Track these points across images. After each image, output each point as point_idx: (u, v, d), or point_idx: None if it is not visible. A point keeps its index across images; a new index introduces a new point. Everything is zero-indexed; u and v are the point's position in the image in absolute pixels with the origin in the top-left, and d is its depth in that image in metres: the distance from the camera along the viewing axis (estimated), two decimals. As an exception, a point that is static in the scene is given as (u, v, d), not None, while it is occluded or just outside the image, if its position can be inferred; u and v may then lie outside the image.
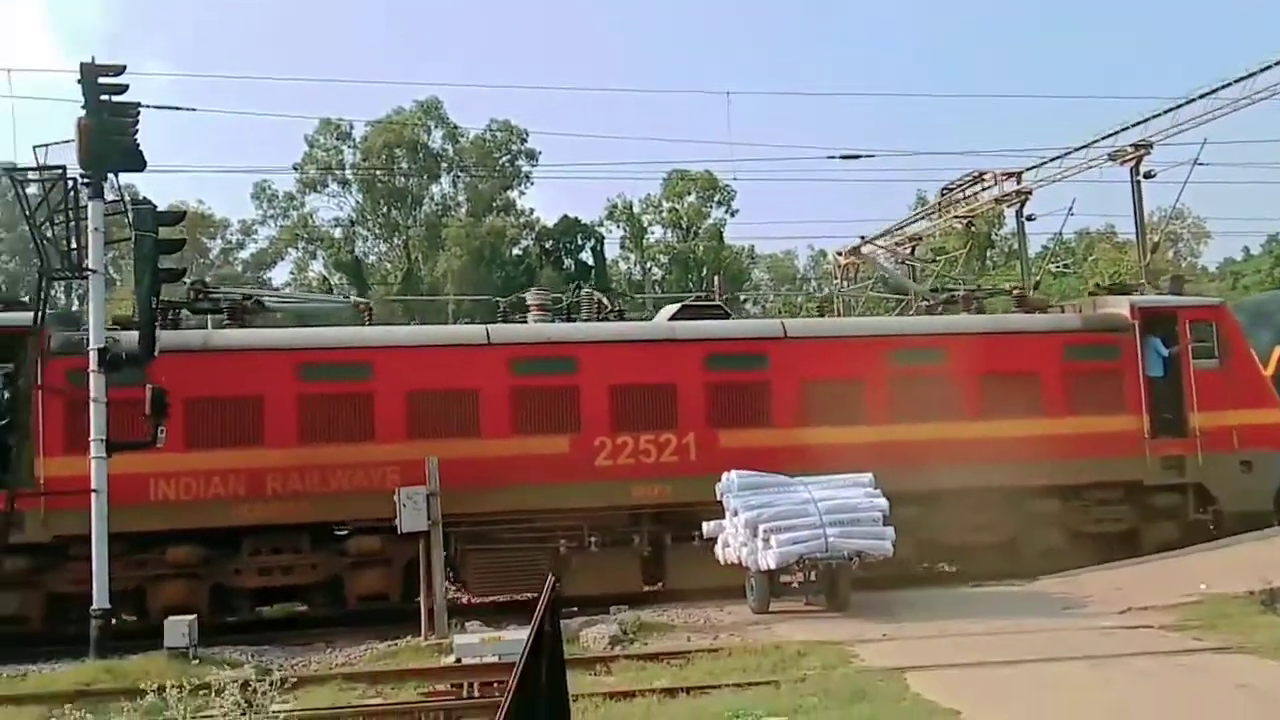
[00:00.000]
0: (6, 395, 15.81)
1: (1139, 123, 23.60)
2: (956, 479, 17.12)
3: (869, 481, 15.59)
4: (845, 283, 30.53)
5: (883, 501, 15.28)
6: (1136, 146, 23.24)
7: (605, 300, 20.04)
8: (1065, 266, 39.16)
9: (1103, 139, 24.32)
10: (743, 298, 53.58)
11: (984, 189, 26.49)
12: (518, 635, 12.59)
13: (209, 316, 18.09)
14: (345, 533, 16.41)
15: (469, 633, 14.12)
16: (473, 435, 16.59)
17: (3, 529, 14.10)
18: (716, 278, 37.17)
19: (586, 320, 19.02)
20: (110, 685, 12.41)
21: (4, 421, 15.67)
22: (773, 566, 14.82)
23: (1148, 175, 23.42)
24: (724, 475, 15.70)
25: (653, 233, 62.46)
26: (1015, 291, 21.51)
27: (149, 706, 5.74)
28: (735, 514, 15.32)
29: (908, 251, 29.78)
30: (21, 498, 15.05)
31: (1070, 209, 24.78)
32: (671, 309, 19.57)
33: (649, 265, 62.29)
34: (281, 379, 16.21)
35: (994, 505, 17.50)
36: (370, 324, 19.15)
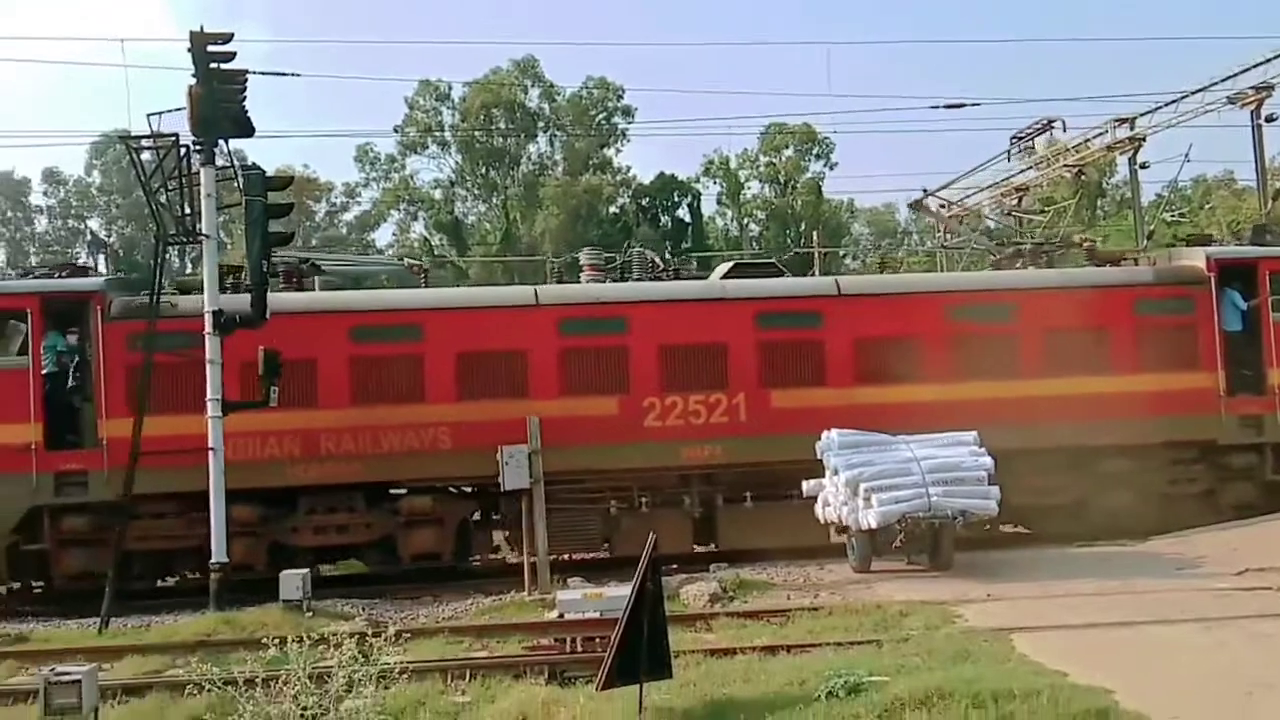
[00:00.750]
0: (71, 359, 16.32)
1: (1260, 64, 22.52)
2: (1020, 439, 16.53)
3: (973, 440, 15.33)
4: (947, 235, 29.87)
5: (988, 460, 15.03)
6: (1257, 89, 22.18)
7: (658, 259, 19.93)
8: (1181, 215, 37.73)
9: (1221, 81, 23.25)
10: (841, 252, 52.88)
11: (1095, 135, 25.57)
12: (619, 592, 12.73)
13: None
14: (403, 492, 16.68)
15: (571, 589, 14.33)
16: (522, 396, 16.66)
17: (128, 483, 14.63)
18: (815, 233, 36.76)
19: (639, 280, 18.89)
20: (229, 636, 12.96)
21: (70, 385, 16.24)
22: (874, 526, 14.71)
23: (1269, 119, 22.40)
24: (824, 434, 15.59)
25: (750, 188, 61.86)
26: (1085, 244, 20.78)
27: (271, 659, 5.95)
28: (835, 473, 15.21)
29: (1014, 202, 28.97)
30: (90, 457, 15.72)
31: (1186, 155, 23.86)
32: (725, 267, 19.42)
33: (746, 221, 61.77)
34: (334, 342, 16.45)
35: (1060, 466, 17.00)
36: (426, 286, 19.41)
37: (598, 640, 11.63)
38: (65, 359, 16.22)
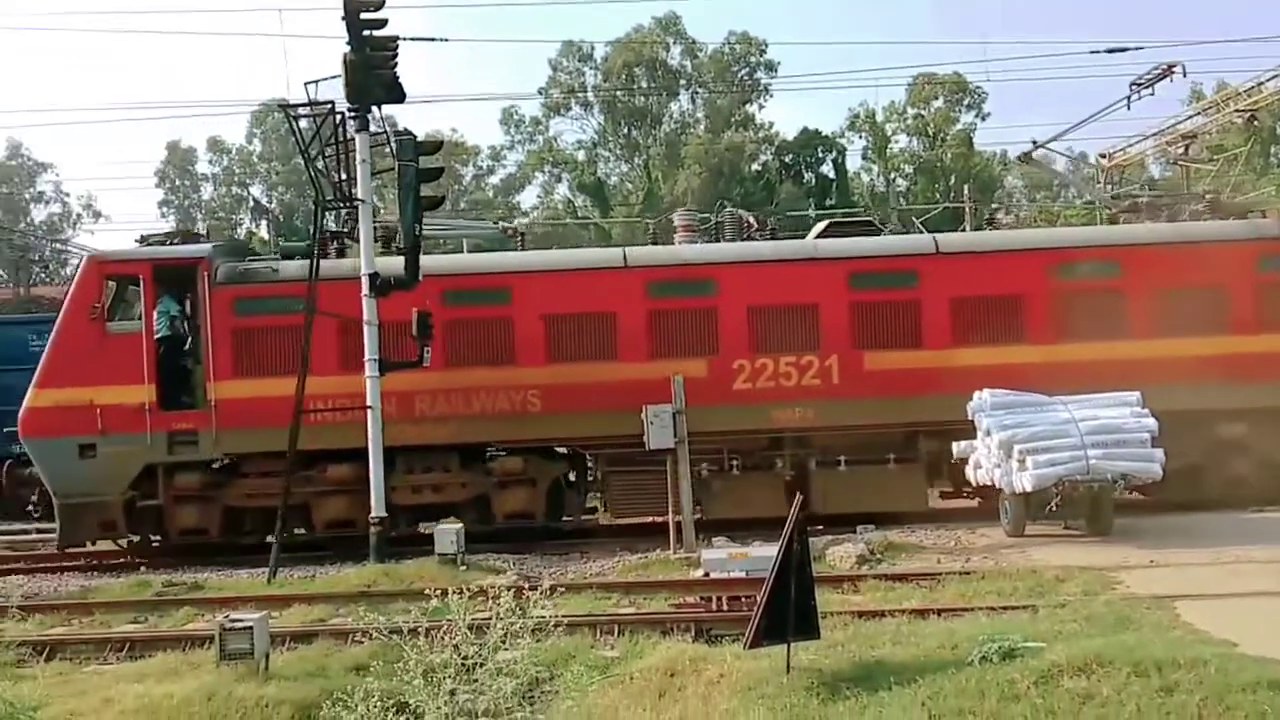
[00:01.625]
0: (183, 324, 17.02)
1: None
2: None
3: (1135, 400, 14.73)
4: (1109, 186, 28.57)
5: (1151, 422, 14.44)
6: None
7: (752, 220, 19.53)
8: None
9: None
10: (995, 206, 51.23)
11: (1270, 77, 23.98)
12: (764, 552, 12.71)
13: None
14: (502, 453, 16.87)
15: (716, 548, 14.38)
16: (610, 359, 16.68)
17: (292, 438, 15.23)
18: (965, 187, 35.66)
19: (731, 241, 18.56)
20: (389, 587, 13.44)
21: (181, 348, 16.94)
22: (1028, 489, 14.31)
23: None
24: (975, 394, 15.20)
25: (897, 142, 60.32)
26: (1207, 197, 19.48)
27: (432, 609, 6.16)
28: (988, 434, 14.84)
29: (1180, 151, 27.50)
30: (199, 417, 16.41)
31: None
32: (821, 226, 18.97)
33: (893, 176, 60.36)
34: (430, 304, 16.37)
35: (1173, 430, 15.81)
36: (523, 249, 19.48)
37: (743, 599, 11.67)
38: (177, 323, 16.93)
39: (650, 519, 17.12)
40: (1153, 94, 24.27)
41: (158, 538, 17.15)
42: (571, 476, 17.52)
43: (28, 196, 65.56)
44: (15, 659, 10.57)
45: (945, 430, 16.29)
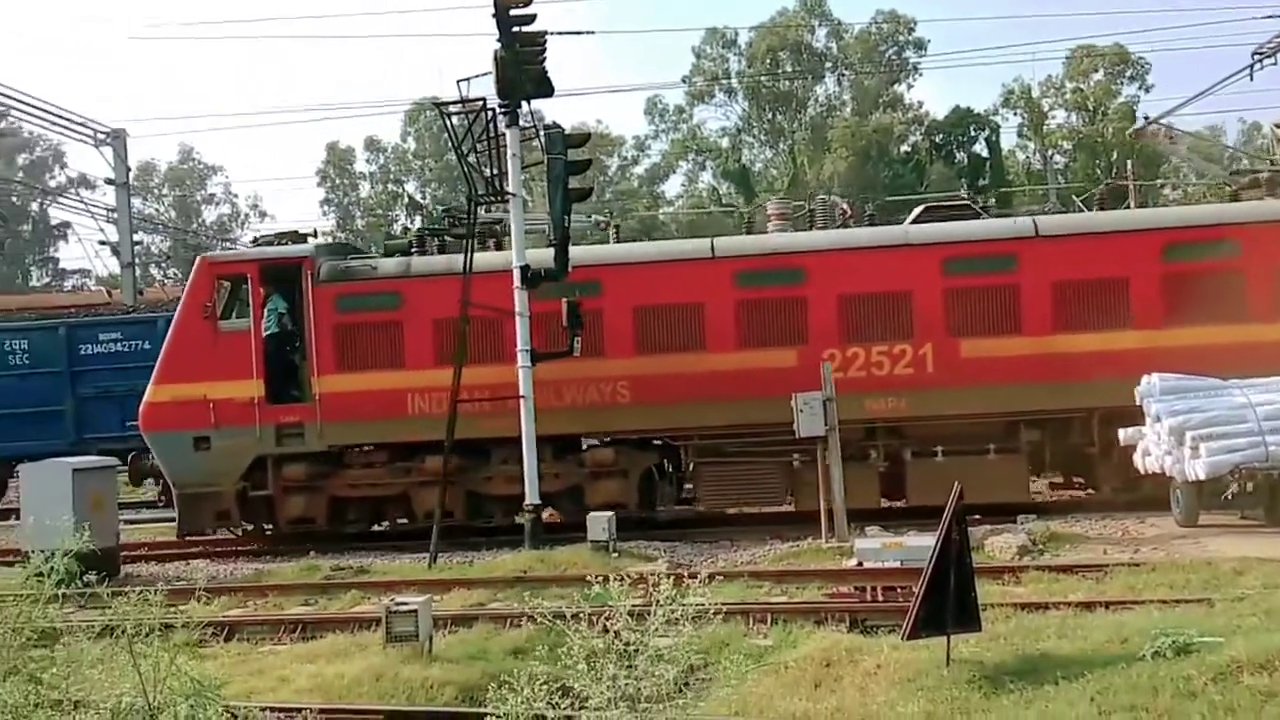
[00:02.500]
0: (290, 320, 17.52)
1: None
2: None
3: (1318, 384, 13.89)
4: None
5: (1336, 406, 13.59)
6: None
7: (846, 207, 18.93)
8: None
9: None
10: (1159, 182, 48.92)
11: None
12: (919, 541, 12.51)
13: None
14: (596, 444, 16.91)
15: (870, 537, 14.17)
16: (698, 349, 16.52)
17: (450, 428, 15.64)
18: (1128, 162, 34.13)
19: (823, 229, 18.04)
20: (543, 573, 13.70)
21: (288, 344, 17.47)
22: (1201, 477, 13.66)
23: None
24: (1144, 379, 14.57)
25: (1054, 118, 58.20)
26: None
27: (594, 595, 6.26)
28: (1157, 420, 14.21)
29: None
30: (305, 411, 16.94)
31: None
32: (918, 211, 18.30)
33: (1050, 153, 58.25)
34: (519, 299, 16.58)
35: None
36: (618, 241, 19.34)
37: (898, 590, 11.50)
38: (285, 320, 17.50)
39: (739, 509, 17.15)
40: (1275, 63, 22.77)
41: (269, 526, 17.84)
42: (667, 467, 17.50)
43: (199, 198, 69.14)
44: (198, 639, 11.17)
45: (1049, 419, 15.89)
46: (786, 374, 15.91)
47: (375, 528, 18.01)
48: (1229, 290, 15.66)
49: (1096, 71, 55.48)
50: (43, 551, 5.94)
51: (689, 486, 17.88)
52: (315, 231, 19.47)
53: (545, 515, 16.65)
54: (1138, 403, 14.54)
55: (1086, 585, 11.62)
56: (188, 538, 17.77)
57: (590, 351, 16.37)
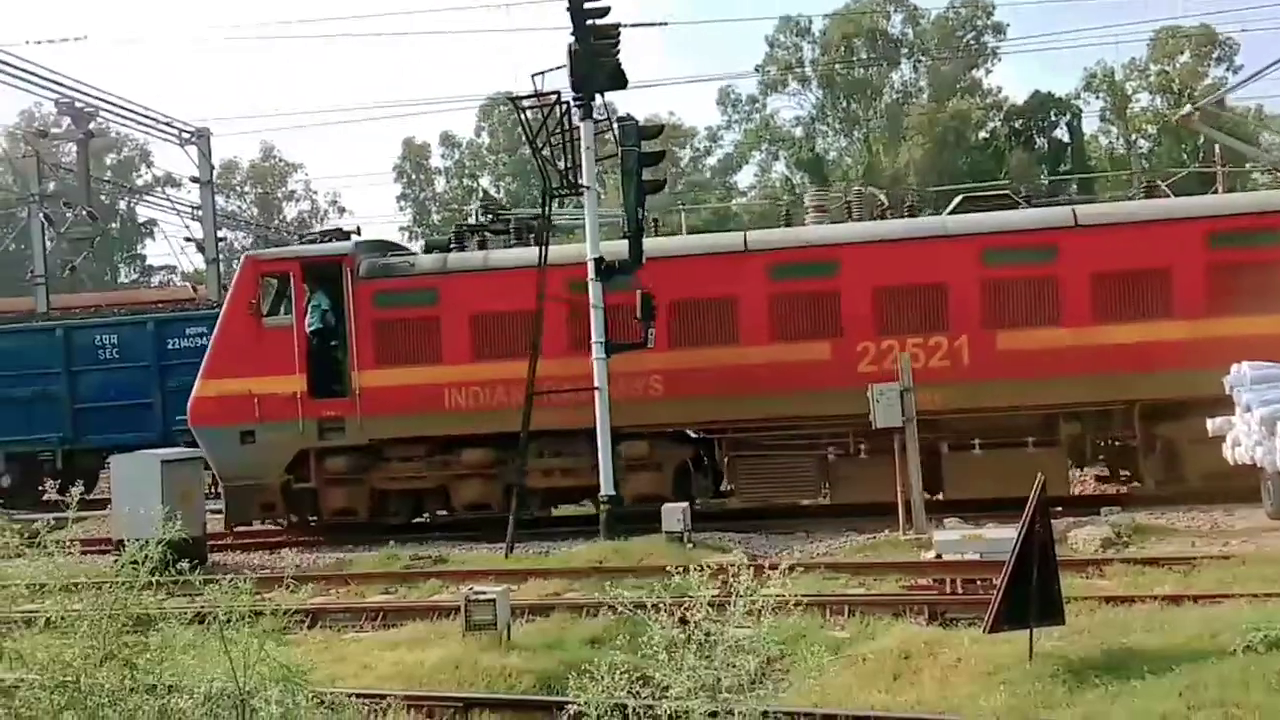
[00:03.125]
0: (331, 317, 17.73)
1: None
2: None
3: None
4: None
5: None
6: None
7: (884, 199, 18.52)
8: None
9: None
10: (1248, 166, 47.49)
11: None
12: (999, 534, 12.33)
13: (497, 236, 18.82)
14: (630, 438, 16.72)
15: (949, 529, 14.00)
16: (732, 343, 16.39)
17: (525, 419, 15.77)
18: (1215, 146, 33.17)
19: (858, 220, 17.79)
20: (619, 563, 13.74)
21: (329, 340, 17.67)
22: (1294, 468, 13.25)
23: None
24: (1234, 367, 14.16)
25: (1138, 101, 56.84)
26: None
27: (675, 585, 6.28)
28: (1248, 410, 13.78)
29: None
30: (346, 405, 17.14)
31: None
32: (956, 201, 17.97)
33: (1134, 138, 56.89)
34: (555, 293, 16.54)
35: None
36: (654, 235, 19.08)
37: (978, 582, 11.34)
38: (328, 316, 17.74)
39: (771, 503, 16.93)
40: None
41: (313, 518, 18.12)
42: (704, 460, 17.37)
43: (280, 195, 70.52)
44: (282, 626, 11.42)
45: (1089, 412, 15.59)
46: (819, 367, 15.93)
47: (416, 520, 18.22)
48: (1276, 279, 15.14)
49: (1182, 53, 54.07)
50: (136, 540, 6.11)
51: (727, 481, 17.76)
52: (358, 229, 19.89)
53: (571, 509, 16.98)
54: (1227, 391, 14.14)
55: (1174, 578, 11.35)
56: (235, 529, 18.12)
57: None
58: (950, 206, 17.99)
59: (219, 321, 17.98)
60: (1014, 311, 15.99)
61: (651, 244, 17.80)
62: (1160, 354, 15.17)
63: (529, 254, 17.11)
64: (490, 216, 19.42)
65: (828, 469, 16.51)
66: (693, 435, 17.06)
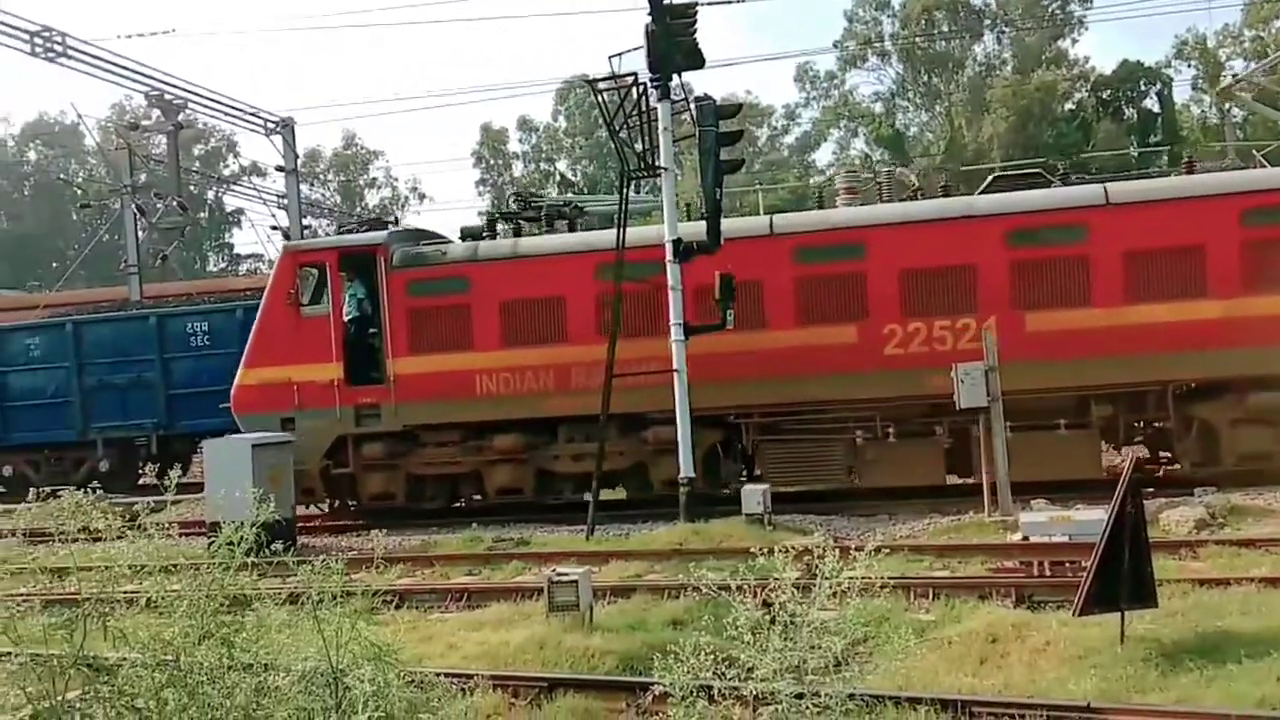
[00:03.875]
0: (368, 305, 17.99)
1: None
2: None
3: None
4: None
5: None
6: None
7: (914, 179, 18.05)
8: None
9: None
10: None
11: None
12: (1088, 516, 12.11)
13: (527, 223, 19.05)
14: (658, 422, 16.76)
15: (1036, 511, 13.76)
16: (758, 327, 16.28)
17: (605, 401, 15.83)
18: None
19: (886, 202, 17.49)
20: (699, 545, 13.77)
21: (369, 329, 17.91)
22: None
23: None
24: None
25: (1231, 68, 54.92)
26: None
27: (760, 567, 6.29)
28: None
29: None
30: (381, 392, 17.47)
31: None
32: (989, 181, 17.61)
33: (1228, 107, 54.99)
34: (582, 280, 16.87)
35: None
36: (689, 219, 18.93)
37: (1067, 565, 11.14)
38: (365, 305, 18.03)
39: (804, 487, 16.92)
40: None
41: (353, 503, 18.46)
42: (734, 443, 17.33)
43: (362, 183, 71.61)
44: (371, 606, 11.65)
45: (1121, 394, 15.38)
46: (846, 350, 15.93)
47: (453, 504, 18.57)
48: None
49: (1278, 18, 52.09)
50: (231, 522, 6.28)
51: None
52: (395, 219, 20.11)
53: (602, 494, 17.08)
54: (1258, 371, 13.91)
55: (1271, 560, 11.05)
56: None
57: (652, 332, 16.30)
58: (982, 186, 17.76)
59: (260, 311, 18.45)
60: (1044, 292, 15.79)
61: (682, 228, 17.87)
62: (1194, 334, 14.99)
63: (557, 241, 17.73)
64: (522, 204, 19.67)
65: (856, 452, 16.51)
66: (733, 418, 17.07)
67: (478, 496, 18.25)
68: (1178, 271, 15.42)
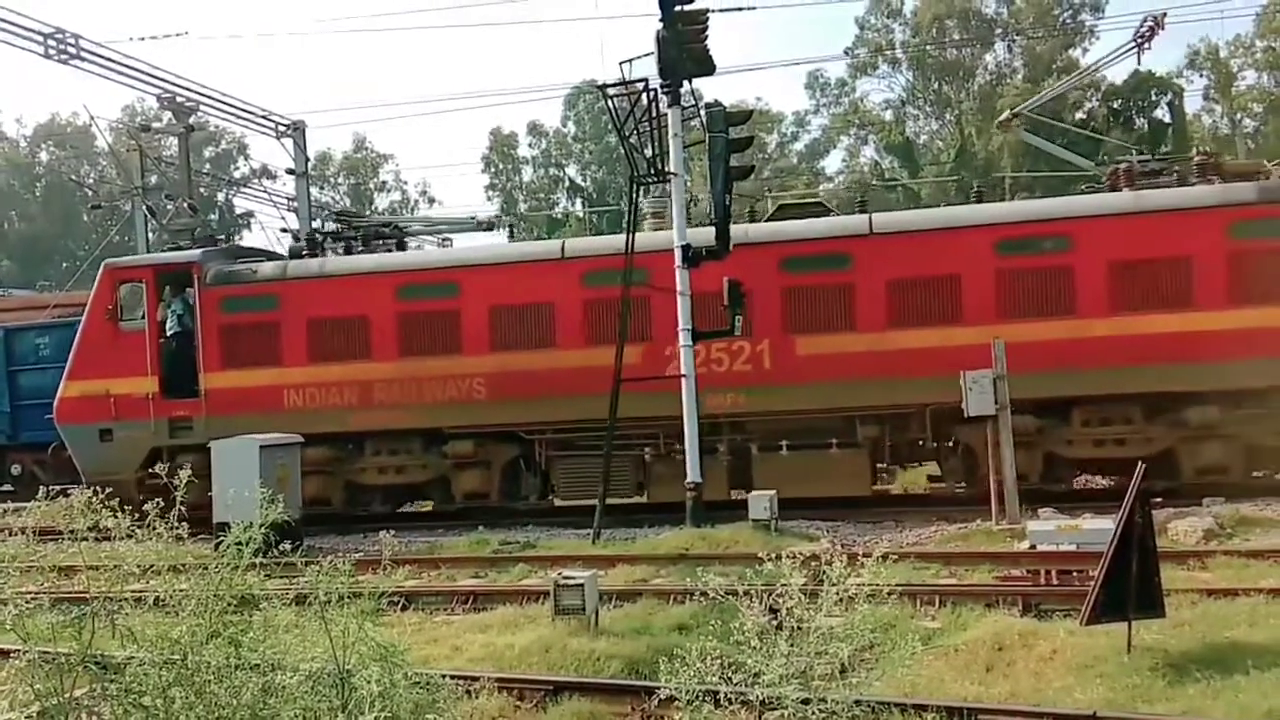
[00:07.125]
0: (184, 321, 18.49)
1: None
2: None
3: None
4: None
5: None
6: None
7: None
8: None
9: None
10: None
11: None
12: (1096, 525, 12.07)
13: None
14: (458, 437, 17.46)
15: (1043, 520, 13.73)
16: (549, 346, 16.92)
17: (612, 407, 15.84)
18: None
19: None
20: (705, 550, 13.76)
21: (180, 343, 18.36)
22: None
23: None
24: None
25: (1243, 79, 54.86)
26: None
27: (767, 573, 6.29)
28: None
29: None
30: (194, 405, 18.00)
31: None
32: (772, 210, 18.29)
33: (1239, 116, 54.94)
34: (383, 299, 17.53)
35: None
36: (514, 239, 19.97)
37: (1074, 574, 11.13)
38: (184, 320, 18.52)
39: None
40: None
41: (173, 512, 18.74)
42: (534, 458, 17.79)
43: (372, 186, 71.71)
44: (376, 608, 11.66)
45: (886, 415, 16.22)
46: (631, 371, 16.09)
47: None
48: None
49: (1291, 28, 52.01)
50: (238, 522, 6.29)
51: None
52: (228, 236, 20.74)
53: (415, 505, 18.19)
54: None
55: (1278, 572, 11.00)
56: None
57: (450, 349, 17.25)
58: (767, 215, 18.33)
59: (81, 325, 18.88)
60: (813, 318, 16.32)
61: (474, 253, 19.01)
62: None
63: (360, 261, 18.37)
64: (344, 224, 20.29)
65: (643, 468, 17.02)
66: (522, 435, 17.60)
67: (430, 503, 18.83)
68: (937, 298, 15.94)
